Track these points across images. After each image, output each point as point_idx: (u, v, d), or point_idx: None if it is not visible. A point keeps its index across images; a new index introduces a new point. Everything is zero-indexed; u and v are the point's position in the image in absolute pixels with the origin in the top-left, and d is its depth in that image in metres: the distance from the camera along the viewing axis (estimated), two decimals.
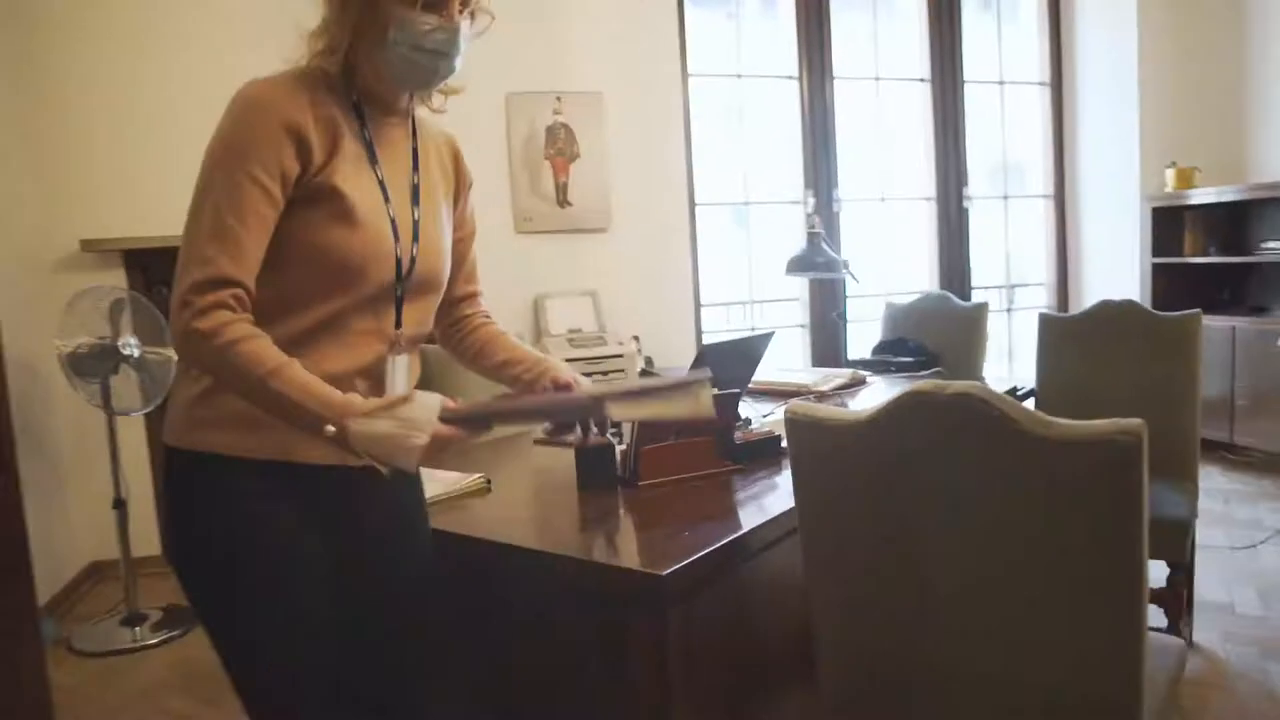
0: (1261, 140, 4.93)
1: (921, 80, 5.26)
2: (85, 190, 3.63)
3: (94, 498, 3.40)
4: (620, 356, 3.97)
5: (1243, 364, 4.49)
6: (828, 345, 4.81)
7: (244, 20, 3.61)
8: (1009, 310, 5.60)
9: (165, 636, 3.11)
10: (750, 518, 1.55)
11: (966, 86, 5.31)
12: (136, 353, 3.07)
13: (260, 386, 1.10)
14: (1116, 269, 5.23)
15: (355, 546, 1.30)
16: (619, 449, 1.82)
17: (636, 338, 4.20)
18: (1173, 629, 2.33)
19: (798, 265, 3.12)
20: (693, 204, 4.66)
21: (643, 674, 1.33)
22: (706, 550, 1.37)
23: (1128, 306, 2.79)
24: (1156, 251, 4.97)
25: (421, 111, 1.39)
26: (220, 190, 1.12)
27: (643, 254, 4.42)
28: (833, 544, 1.37)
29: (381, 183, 1.25)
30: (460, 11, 1.23)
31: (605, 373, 3.95)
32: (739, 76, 4.96)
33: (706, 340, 4.78)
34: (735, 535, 1.45)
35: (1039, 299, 5.65)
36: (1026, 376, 3.03)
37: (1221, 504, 3.96)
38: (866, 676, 1.39)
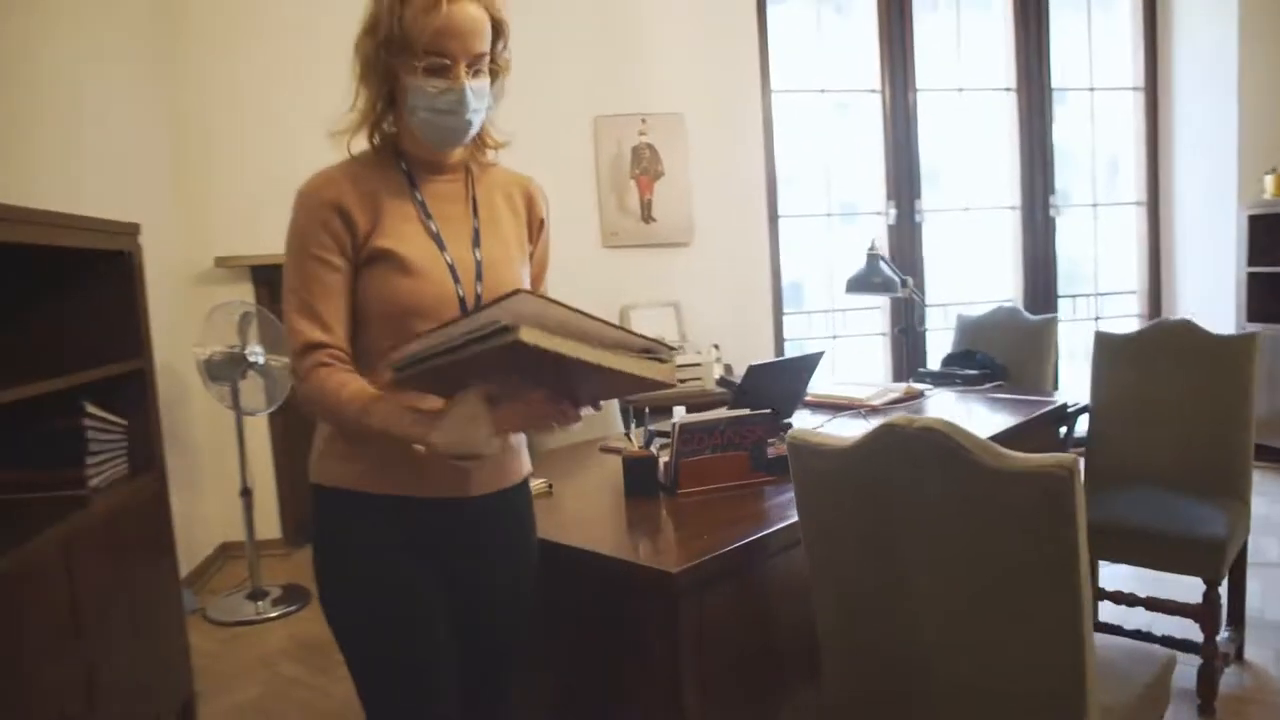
0: None
1: (1007, 90, 5.28)
2: (219, 212, 4.08)
3: (224, 487, 3.84)
4: (699, 365, 4.19)
5: None
6: (905, 355, 4.91)
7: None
8: (1096, 319, 5.56)
9: (283, 611, 3.51)
10: (767, 525, 1.75)
11: (1055, 94, 5.30)
12: (261, 360, 3.47)
13: (360, 424, 1.27)
14: (1211, 277, 5.13)
15: (469, 571, 1.44)
16: (662, 461, 2.05)
17: (716, 346, 4.40)
18: (1208, 644, 2.41)
19: (856, 285, 3.27)
20: (773, 217, 4.84)
21: (656, 657, 1.56)
22: (717, 552, 1.59)
23: (1183, 326, 2.84)
24: (1253, 260, 4.86)
25: (493, 157, 1.52)
26: (294, 275, 1.34)
27: (723, 266, 4.63)
28: (828, 554, 1.57)
29: (435, 234, 1.39)
30: (467, 73, 1.33)
31: (683, 380, 4.17)
32: (822, 91, 5.10)
33: (784, 349, 4.96)
34: (747, 539, 1.66)
35: (1130, 307, 5.59)
36: None
37: None
38: (859, 673, 1.59)
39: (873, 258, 3.18)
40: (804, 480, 1.57)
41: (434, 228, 1.40)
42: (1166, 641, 2.55)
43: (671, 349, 1.22)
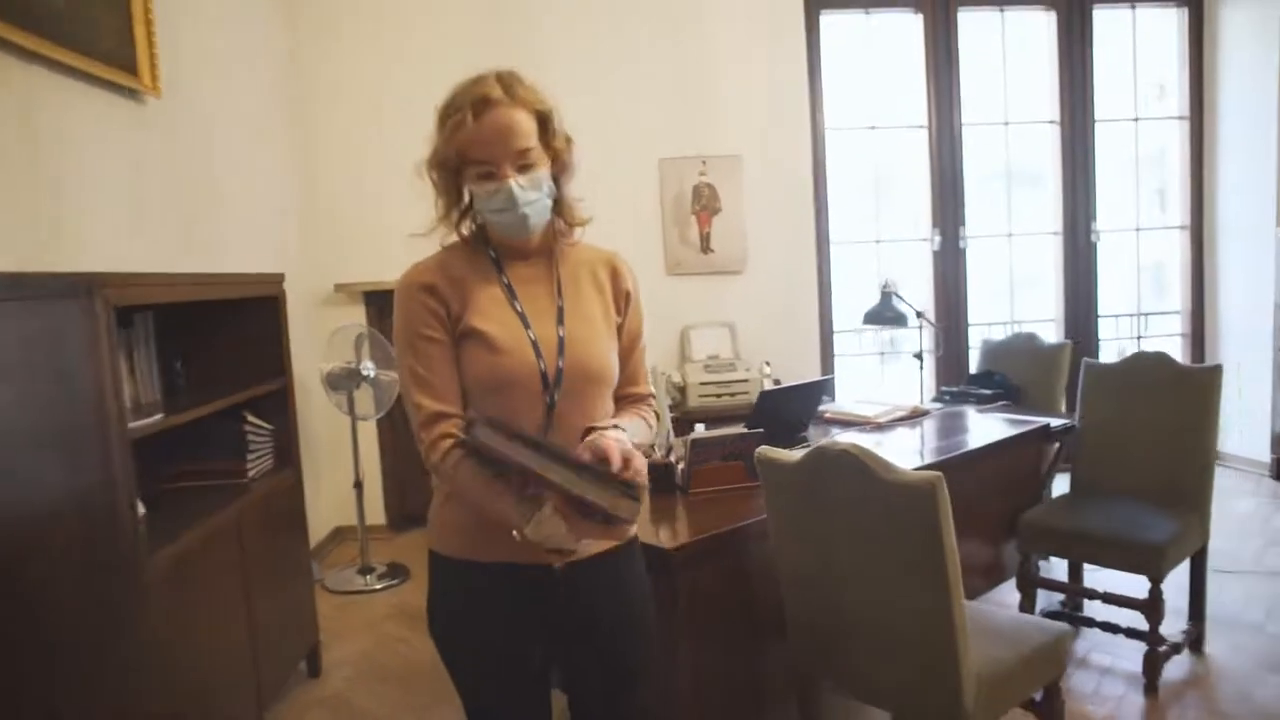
0: None
1: (1051, 122, 5.62)
2: (337, 245, 4.80)
3: (339, 479, 4.55)
4: (747, 381, 4.72)
5: None
6: (931, 374, 5.32)
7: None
8: (1138, 338, 5.84)
9: (388, 584, 4.19)
10: (748, 519, 2.29)
11: (1097, 125, 5.61)
12: (372, 374, 4.15)
13: (475, 502, 1.44)
14: (1252, 300, 5.37)
15: (576, 630, 1.54)
16: (679, 467, 2.61)
17: (768, 363, 4.92)
18: (1153, 633, 2.82)
19: (872, 318, 3.76)
20: (822, 245, 5.32)
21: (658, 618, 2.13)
22: (704, 535, 2.14)
23: (1159, 358, 3.23)
24: None
25: (579, 235, 1.63)
26: (407, 354, 1.48)
27: (773, 291, 5.13)
28: (784, 542, 2.11)
29: (521, 314, 1.50)
30: (513, 171, 1.45)
31: (734, 394, 4.71)
32: (872, 128, 5.55)
33: (833, 365, 5.43)
34: (730, 527, 2.21)
35: (1174, 326, 5.85)
36: None
37: None
38: (809, 626, 2.12)
39: (886, 294, 3.66)
40: (768, 487, 2.11)
41: (519, 307, 1.51)
42: (1129, 632, 2.98)
43: (642, 489, 1.32)
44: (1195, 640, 3.10)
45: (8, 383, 1.77)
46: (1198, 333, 5.76)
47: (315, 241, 4.77)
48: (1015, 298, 5.76)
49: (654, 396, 1.67)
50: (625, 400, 1.62)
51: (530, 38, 4.79)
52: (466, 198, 1.53)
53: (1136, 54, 5.69)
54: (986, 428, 3.30)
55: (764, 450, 2.09)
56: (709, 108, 5.04)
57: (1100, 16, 5.58)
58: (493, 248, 1.55)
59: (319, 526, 4.67)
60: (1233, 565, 3.93)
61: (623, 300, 1.61)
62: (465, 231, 1.55)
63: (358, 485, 4.30)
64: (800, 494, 2.01)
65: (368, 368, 4.14)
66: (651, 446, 2.41)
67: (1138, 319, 5.86)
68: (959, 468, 2.80)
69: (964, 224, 5.57)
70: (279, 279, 3.15)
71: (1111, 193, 5.73)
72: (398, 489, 4.93)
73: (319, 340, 4.26)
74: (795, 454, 2.01)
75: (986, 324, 5.64)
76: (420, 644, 3.52)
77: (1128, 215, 5.79)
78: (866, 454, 1.86)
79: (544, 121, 1.48)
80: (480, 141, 1.43)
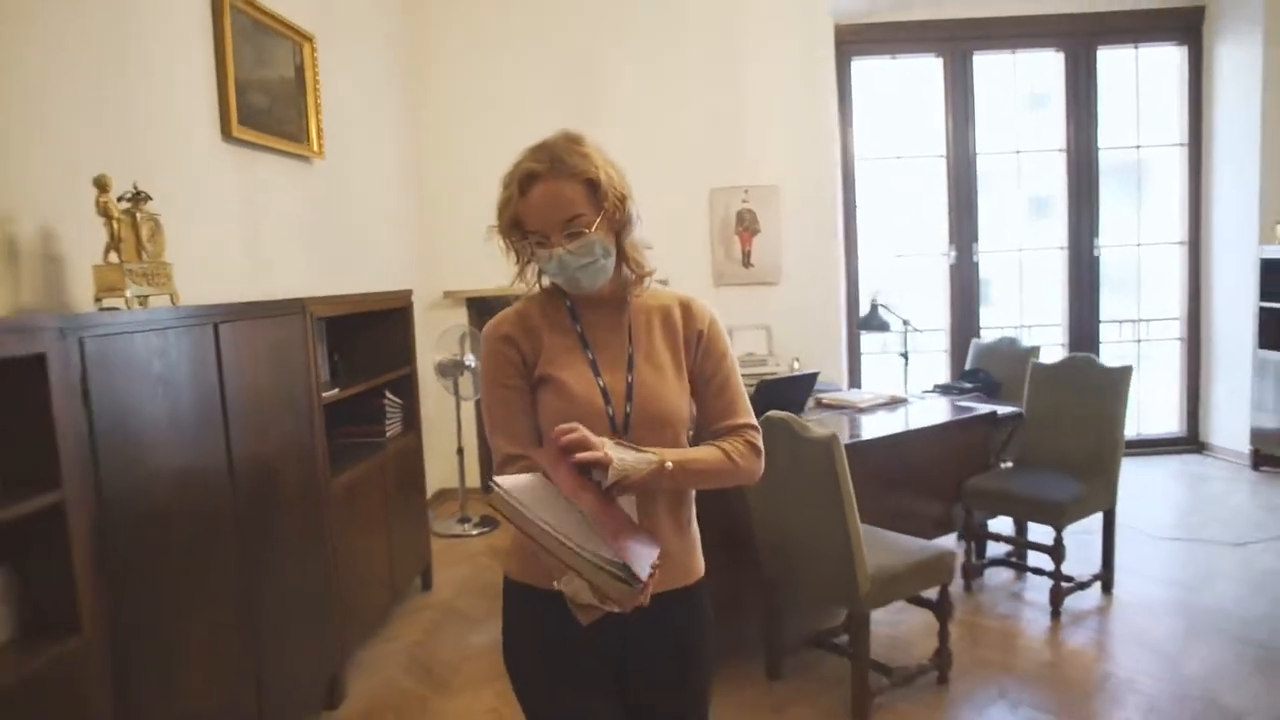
0: None
1: (1060, 150, 6.37)
2: (444, 257, 5.93)
3: (444, 448, 5.67)
4: (775, 372, 5.66)
5: None
6: (955, 369, 6.15)
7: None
8: (1138, 341, 6.55)
9: (481, 531, 5.30)
10: None
11: (1101, 153, 6.35)
12: (472, 364, 5.25)
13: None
14: (1236, 309, 6.05)
15: (639, 663, 1.61)
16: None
17: (797, 359, 5.86)
18: (1056, 571, 3.69)
19: (864, 324, 4.66)
20: (850, 259, 6.22)
21: None
22: None
23: (1086, 360, 4.06)
24: (1264, 297, 5.75)
25: (649, 283, 1.66)
26: (488, 399, 1.58)
27: (804, 299, 6.05)
28: (757, 489, 3.09)
29: (592, 362, 1.58)
30: (562, 238, 1.51)
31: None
32: (898, 158, 6.41)
33: (859, 361, 6.30)
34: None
35: (1173, 331, 6.53)
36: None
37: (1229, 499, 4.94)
38: (770, 547, 3.11)
39: (874, 306, 4.56)
40: None
41: (591, 355, 1.59)
42: (1045, 572, 3.84)
43: (639, 581, 1.25)
44: (1105, 583, 3.94)
45: (266, 366, 2.87)
46: (1193, 337, 6.44)
47: (428, 258, 5.91)
48: (1025, 305, 6.54)
49: (753, 428, 1.64)
50: (718, 435, 1.62)
51: (601, 89, 5.82)
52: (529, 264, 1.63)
53: (1139, 88, 6.40)
54: (937, 413, 4.18)
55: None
56: (752, 144, 5.98)
57: (1105, 55, 6.31)
58: (569, 297, 1.63)
59: (428, 487, 5.81)
60: (1180, 535, 4.71)
61: (695, 339, 1.64)
62: (543, 284, 1.65)
63: (459, 451, 5.43)
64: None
65: (469, 359, 5.25)
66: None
67: (1138, 324, 6.57)
68: (902, 441, 3.73)
69: (977, 240, 6.38)
70: (408, 294, 4.27)
71: (1115, 212, 6.45)
72: (487, 458, 6.04)
73: (431, 337, 5.38)
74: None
75: (999, 328, 6.43)
76: (494, 572, 4.60)
77: (1129, 232, 6.50)
78: (792, 420, 2.83)
79: (593, 186, 1.52)
80: (530, 214, 1.52)
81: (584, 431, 1.38)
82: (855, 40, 6.21)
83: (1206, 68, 6.23)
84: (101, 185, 2.36)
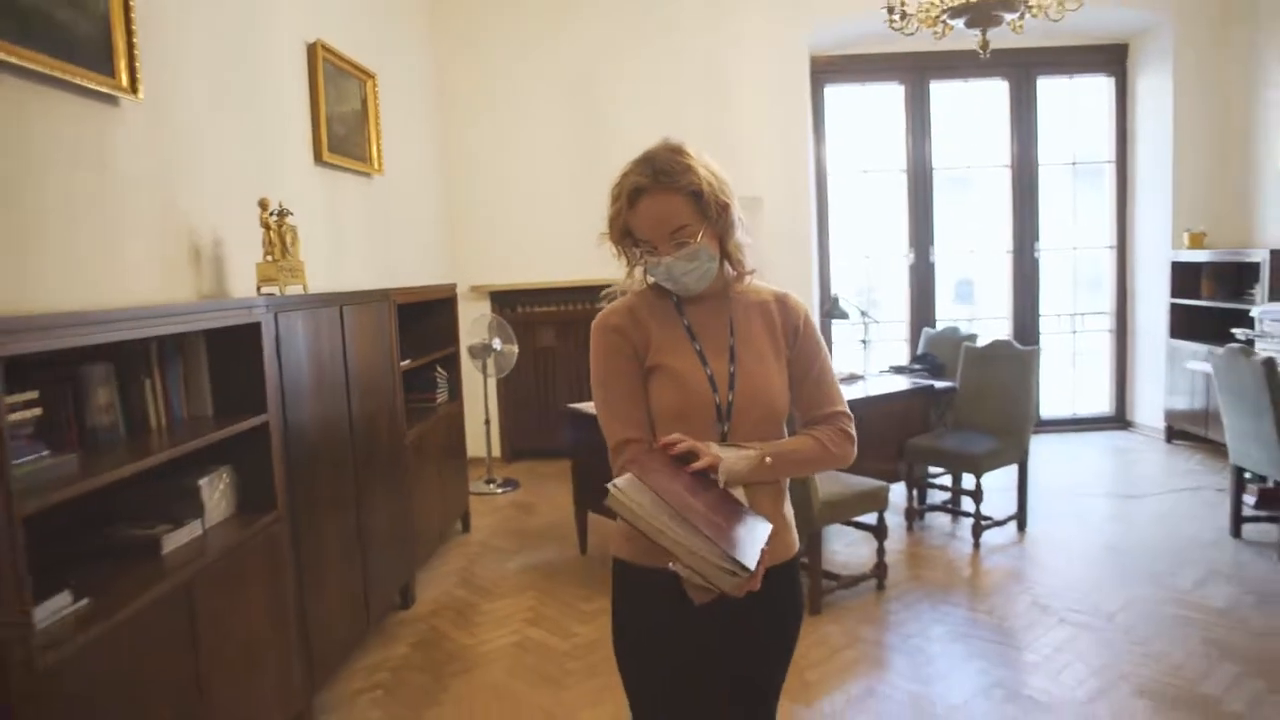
0: (1261, 216, 6.50)
1: (1005, 166, 7.33)
2: (471, 256, 6.84)
3: (473, 420, 6.57)
4: None
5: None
6: (913, 354, 7.09)
7: (593, 124, 6.67)
8: (1074, 333, 7.52)
9: (505, 490, 6.22)
10: None
11: (1041, 168, 7.30)
12: (499, 347, 6.16)
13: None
14: (1154, 305, 7.01)
15: (739, 632, 1.69)
16: None
17: None
18: (976, 512, 4.63)
19: (825, 315, 5.60)
20: (823, 260, 7.16)
21: None
22: None
23: (1006, 343, 5.00)
24: (1174, 295, 6.71)
25: (749, 280, 1.76)
26: (600, 388, 1.69)
27: None
28: None
29: (699, 352, 1.67)
30: (669, 247, 1.62)
31: None
32: (865, 172, 7.35)
33: (832, 347, 7.26)
34: None
35: (1104, 324, 7.50)
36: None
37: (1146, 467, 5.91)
38: None
39: (834, 299, 5.50)
40: None
41: (697, 346, 1.67)
42: (969, 513, 4.77)
43: (748, 571, 1.38)
44: (1020, 522, 4.89)
45: (369, 339, 3.77)
46: (1121, 329, 7.40)
47: (459, 256, 6.82)
48: (976, 300, 7.50)
49: (846, 415, 1.74)
50: (813, 422, 1.73)
51: (603, 110, 6.74)
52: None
53: (1074, 112, 7.35)
54: (887, 386, 5.11)
55: None
56: (738, 159, 6.90)
57: (1044, 84, 7.26)
58: (674, 293, 1.71)
59: None
60: (1092, 492, 5.68)
61: (792, 332, 1.74)
62: (650, 281, 1.72)
63: (486, 422, 6.35)
64: None
65: (496, 344, 6.16)
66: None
67: (1074, 318, 7.53)
68: (856, 408, 4.64)
69: (933, 244, 7.32)
70: (453, 287, 5.19)
71: (1054, 220, 7.40)
72: (509, 430, 6.97)
73: (463, 324, 6.29)
74: None
75: (953, 321, 7.38)
76: (531, 521, 5.52)
77: (1067, 237, 7.46)
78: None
79: (698, 197, 1.61)
80: (637, 226, 1.62)
81: (691, 441, 1.54)
82: (828, 69, 7.15)
83: (1130, 96, 7.19)
84: (263, 205, 3.28)
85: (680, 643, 1.66)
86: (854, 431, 1.74)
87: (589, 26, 6.79)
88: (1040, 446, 6.58)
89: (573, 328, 6.85)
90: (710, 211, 1.63)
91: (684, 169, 1.61)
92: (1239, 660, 3.28)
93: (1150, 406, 7.12)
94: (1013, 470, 4.92)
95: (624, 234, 1.67)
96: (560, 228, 6.66)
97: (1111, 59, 7.20)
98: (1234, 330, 5.69)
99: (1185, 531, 4.77)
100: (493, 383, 6.59)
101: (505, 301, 6.85)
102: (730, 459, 1.57)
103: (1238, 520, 4.61)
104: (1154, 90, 6.93)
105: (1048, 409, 7.33)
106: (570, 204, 6.61)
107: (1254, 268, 5.97)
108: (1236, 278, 6.43)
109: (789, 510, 1.77)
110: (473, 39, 6.78)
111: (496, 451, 6.92)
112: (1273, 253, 5.75)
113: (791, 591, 1.76)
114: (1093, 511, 5.23)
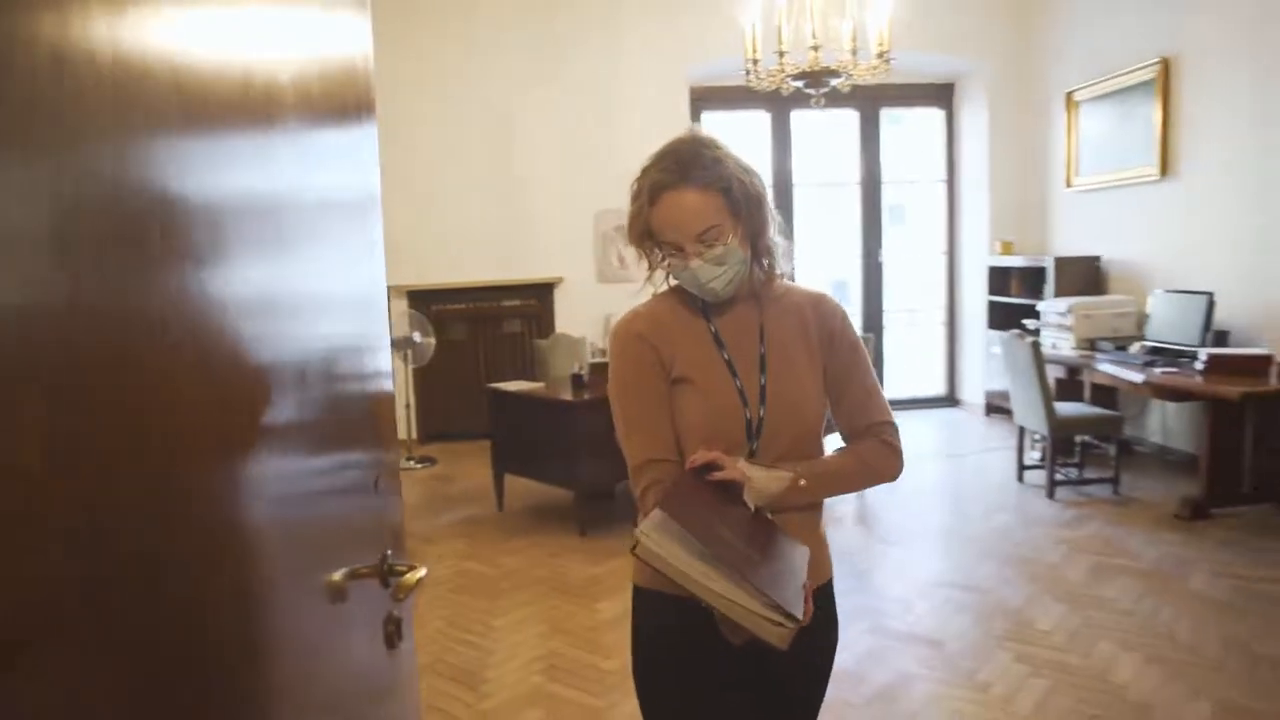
0: (1051, 229, 7.89)
1: (857, 183, 8.55)
2: (392, 253, 7.57)
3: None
4: None
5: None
6: None
7: (498, 140, 7.50)
8: (911, 326, 8.82)
9: (424, 466, 7.01)
10: None
11: (886, 186, 8.56)
12: (418, 339, 6.96)
13: None
14: (976, 302, 8.35)
15: (772, 663, 1.47)
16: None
17: None
18: None
19: None
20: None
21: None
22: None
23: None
24: (991, 292, 8.05)
25: (781, 286, 1.64)
26: (621, 401, 1.56)
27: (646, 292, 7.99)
28: None
29: (728, 362, 1.54)
30: (696, 249, 1.48)
31: None
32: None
33: None
34: None
35: (939, 317, 8.82)
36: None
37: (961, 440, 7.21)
38: None
39: None
40: None
41: (726, 355, 1.55)
42: None
43: (797, 621, 1.25)
44: None
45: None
46: (951, 322, 8.73)
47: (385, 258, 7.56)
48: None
49: (890, 425, 1.62)
50: (854, 434, 1.61)
51: (517, 132, 7.62)
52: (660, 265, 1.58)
53: (914, 138, 8.64)
54: None
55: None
56: (628, 176, 7.84)
57: (887, 113, 8.52)
58: (702, 300, 1.58)
59: None
60: (925, 454, 6.89)
61: (826, 338, 1.60)
62: (673, 283, 1.61)
63: (407, 407, 7.14)
64: None
65: (415, 337, 6.96)
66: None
67: (913, 313, 8.83)
68: None
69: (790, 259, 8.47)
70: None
71: (898, 230, 8.68)
72: (423, 415, 7.76)
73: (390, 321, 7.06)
74: None
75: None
76: (444, 488, 6.35)
77: (911, 245, 8.75)
78: None
79: (727, 193, 1.49)
80: (665, 226, 1.49)
81: (716, 453, 1.42)
82: (705, 98, 8.21)
83: (956, 126, 8.52)
84: None
85: (710, 673, 1.53)
86: (899, 443, 1.61)
87: (503, 58, 7.66)
88: None
89: (481, 324, 7.71)
90: (742, 209, 1.52)
91: (713, 162, 1.51)
92: (1000, 562, 4.45)
93: (973, 387, 8.45)
94: None
95: (645, 234, 1.56)
96: (472, 234, 7.51)
97: (942, 95, 8.52)
98: (1025, 321, 7.01)
99: (986, 479, 6.02)
100: (410, 371, 7.38)
101: (419, 301, 7.64)
102: (760, 479, 1.46)
103: (1021, 469, 5.86)
104: (974, 122, 8.27)
105: (892, 391, 8.58)
106: (481, 214, 7.48)
107: (1044, 272, 7.32)
108: (1037, 279, 7.78)
109: (824, 528, 1.66)
110: (401, 64, 7.55)
111: (414, 434, 7.70)
112: (1057, 259, 7.09)
113: (828, 615, 1.64)
114: (923, 467, 6.43)
